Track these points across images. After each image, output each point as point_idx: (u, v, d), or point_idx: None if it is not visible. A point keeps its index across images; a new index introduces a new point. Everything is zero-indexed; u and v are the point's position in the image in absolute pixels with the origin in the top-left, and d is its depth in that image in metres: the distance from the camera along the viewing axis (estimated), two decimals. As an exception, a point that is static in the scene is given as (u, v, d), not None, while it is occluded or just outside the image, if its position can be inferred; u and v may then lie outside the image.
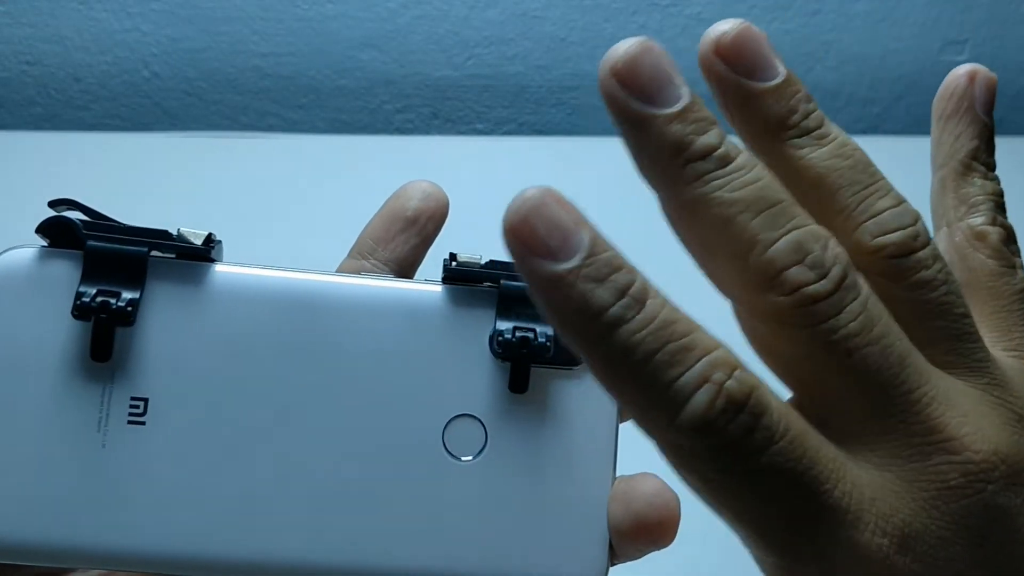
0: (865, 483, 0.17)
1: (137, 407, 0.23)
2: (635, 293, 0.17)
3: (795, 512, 0.17)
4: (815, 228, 0.18)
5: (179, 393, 0.23)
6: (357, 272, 0.27)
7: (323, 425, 0.23)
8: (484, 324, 0.24)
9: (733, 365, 0.17)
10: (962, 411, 0.18)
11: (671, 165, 0.18)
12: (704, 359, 0.17)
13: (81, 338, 0.22)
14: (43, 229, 0.23)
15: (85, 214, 0.24)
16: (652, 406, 0.17)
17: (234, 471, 0.23)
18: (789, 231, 0.18)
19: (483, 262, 0.24)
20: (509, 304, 0.24)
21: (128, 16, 0.77)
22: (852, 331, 0.17)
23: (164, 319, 0.23)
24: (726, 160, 0.18)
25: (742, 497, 0.17)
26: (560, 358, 0.24)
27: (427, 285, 0.25)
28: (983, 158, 0.25)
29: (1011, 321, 0.21)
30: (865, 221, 0.19)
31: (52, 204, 0.24)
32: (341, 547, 0.23)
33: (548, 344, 0.23)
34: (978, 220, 0.23)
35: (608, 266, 0.17)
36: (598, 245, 0.17)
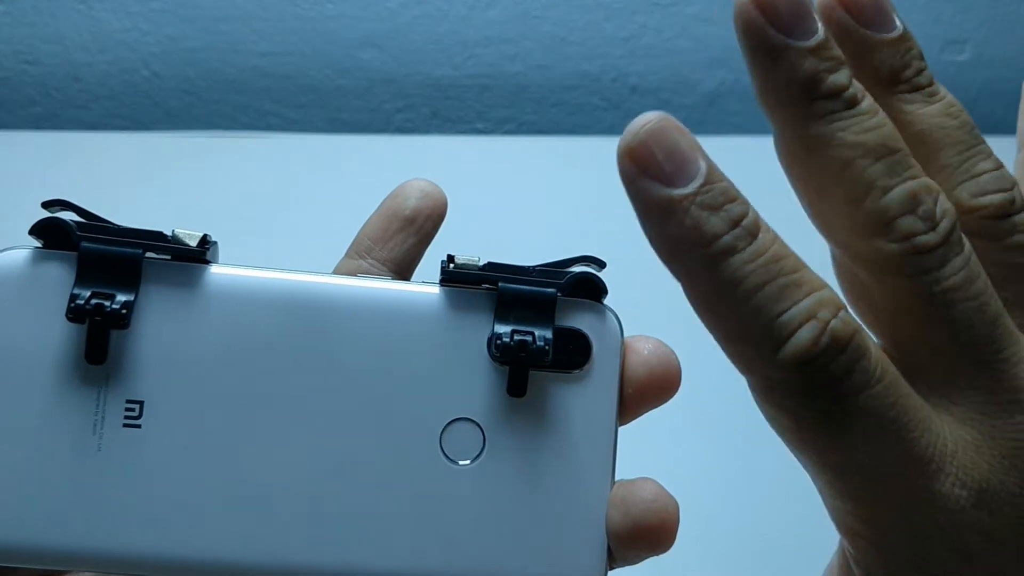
0: (948, 436, 0.17)
1: (133, 410, 0.22)
2: (748, 225, 0.17)
3: (881, 458, 0.17)
4: (928, 181, 0.18)
5: (175, 396, 0.23)
6: (354, 272, 0.27)
7: (320, 428, 0.23)
8: (482, 327, 0.24)
9: (839, 306, 0.17)
10: None
11: (799, 100, 0.18)
12: (812, 296, 0.17)
13: (75, 341, 0.22)
14: (36, 230, 0.23)
15: (79, 215, 0.24)
16: (754, 338, 0.17)
17: (230, 474, 0.23)
18: (906, 180, 0.18)
19: (481, 264, 0.24)
20: (507, 307, 0.23)
21: (128, 15, 0.77)
22: (954, 284, 0.17)
23: (159, 321, 0.23)
24: (853, 102, 0.18)
25: (831, 438, 0.17)
26: (559, 362, 0.23)
27: (424, 287, 0.24)
28: None
29: None
30: (966, 180, 0.19)
31: (45, 205, 0.23)
32: (338, 551, 0.23)
33: (547, 348, 0.23)
34: None
35: (723, 195, 0.17)
36: (714, 175, 0.17)
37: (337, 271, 0.28)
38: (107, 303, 0.22)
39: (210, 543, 0.22)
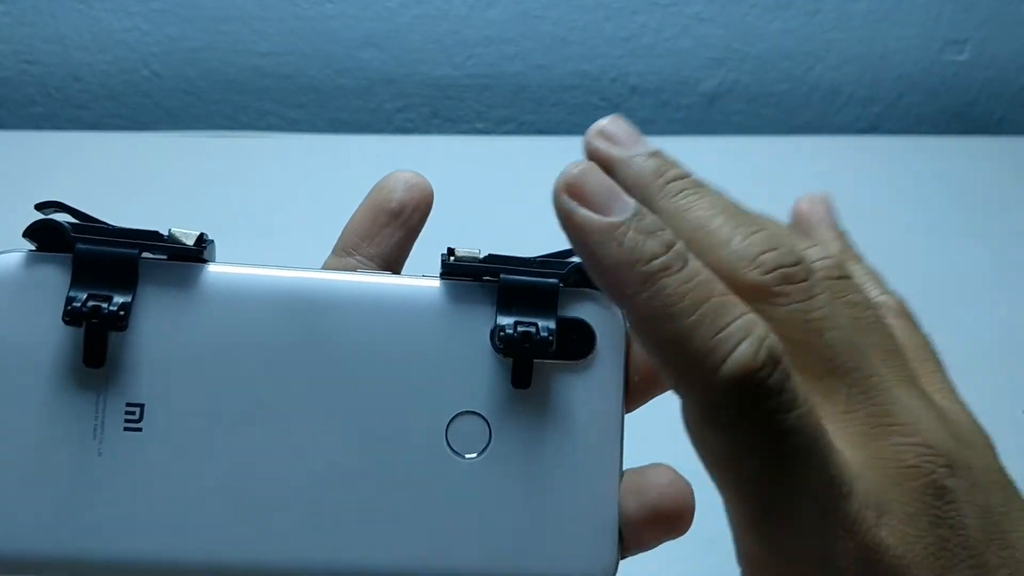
0: (848, 459, 0.18)
1: (133, 413, 0.22)
2: (680, 249, 0.18)
3: (805, 479, 0.18)
4: (790, 236, 0.20)
5: (175, 397, 0.22)
6: (346, 269, 0.26)
7: (323, 426, 0.23)
8: (485, 319, 0.24)
9: (767, 327, 0.18)
10: (910, 405, 0.20)
11: (653, 179, 0.22)
12: (747, 315, 0.18)
13: (73, 344, 0.22)
14: (30, 233, 0.23)
15: (73, 216, 0.23)
16: (696, 355, 0.17)
17: (234, 475, 0.22)
18: (764, 227, 0.20)
19: (482, 256, 0.24)
20: (509, 298, 0.23)
21: (128, 15, 0.77)
22: (823, 315, 0.19)
23: (158, 322, 0.22)
24: (700, 183, 0.21)
25: (760, 456, 0.18)
26: (563, 352, 0.23)
27: (425, 280, 0.24)
28: None
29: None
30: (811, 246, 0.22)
31: (39, 206, 0.23)
32: (345, 548, 0.22)
33: (550, 338, 0.23)
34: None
35: (655, 223, 0.18)
36: (644, 209, 0.19)
37: (325, 268, 0.27)
38: (104, 305, 0.21)
39: (215, 545, 0.22)
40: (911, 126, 0.85)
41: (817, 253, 0.21)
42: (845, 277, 0.21)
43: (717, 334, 0.17)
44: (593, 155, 0.22)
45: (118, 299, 0.22)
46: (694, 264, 0.18)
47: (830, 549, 0.18)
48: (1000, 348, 0.61)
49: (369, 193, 0.28)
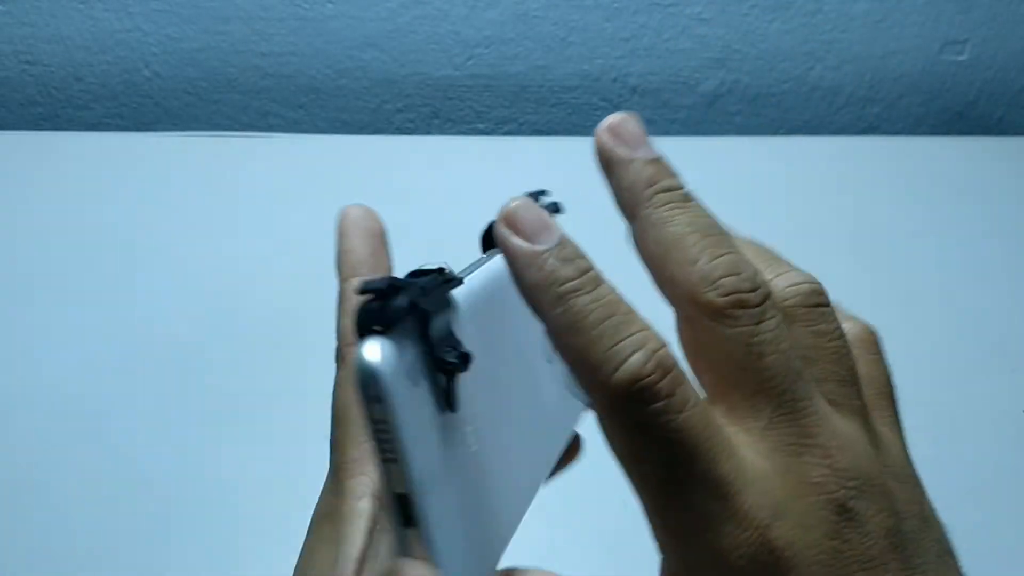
0: (749, 464, 0.21)
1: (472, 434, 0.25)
2: (592, 276, 0.22)
3: (693, 474, 0.21)
4: (747, 258, 0.22)
5: (484, 409, 0.25)
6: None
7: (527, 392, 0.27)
8: None
9: (662, 342, 0.21)
10: (843, 432, 0.22)
11: (646, 192, 0.24)
12: (641, 331, 0.21)
13: (433, 393, 0.23)
14: (380, 320, 0.22)
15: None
16: (596, 363, 0.21)
17: (514, 459, 0.26)
18: (730, 252, 0.22)
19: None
20: None
21: (129, 16, 0.78)
22: (767, 339, 0.22)
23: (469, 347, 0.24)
24: (688, 198, 0.24)
25: (654, 453, 0.21)
26: None
27: None
28: None
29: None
30: (779, 275, 0.24)
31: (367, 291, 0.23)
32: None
33: None
34: None
35: (574, 253, 0.22)
36: (566, 239, 0.22)
37: (344, 296, 0.29)
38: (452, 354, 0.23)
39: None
40: (911, 127, 0.85)
41: (789, 280, 0.23)
42: (819, 306, 0.23)
43: (614, 346, 0.21)
44: (600, 148, 0.24)
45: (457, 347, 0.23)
46: (603, 288, 0.22)
47: (723, 542, 0.21)
48: (1000, 348, 0.61)
49: (348, 224, 0.31)
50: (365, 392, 0.20)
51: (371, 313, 0.21)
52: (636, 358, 0.20)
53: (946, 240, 0.68)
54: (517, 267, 0.22)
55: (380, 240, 0.30)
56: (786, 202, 0.69)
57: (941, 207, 0.70)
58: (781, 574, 0.21)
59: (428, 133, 0.84)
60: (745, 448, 0.21)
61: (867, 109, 0.84)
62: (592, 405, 0.21)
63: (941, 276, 0.65)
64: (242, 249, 0.61)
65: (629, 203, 0.24)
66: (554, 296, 0.21)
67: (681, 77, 0.81)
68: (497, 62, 0.80)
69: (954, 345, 0.61)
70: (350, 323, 0.28)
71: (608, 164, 0.24)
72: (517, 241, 0.22)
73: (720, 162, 0.75)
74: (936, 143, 0.78)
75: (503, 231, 0.22)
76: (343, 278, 0.29)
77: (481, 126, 0.84)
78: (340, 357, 0.28)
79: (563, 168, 0.70)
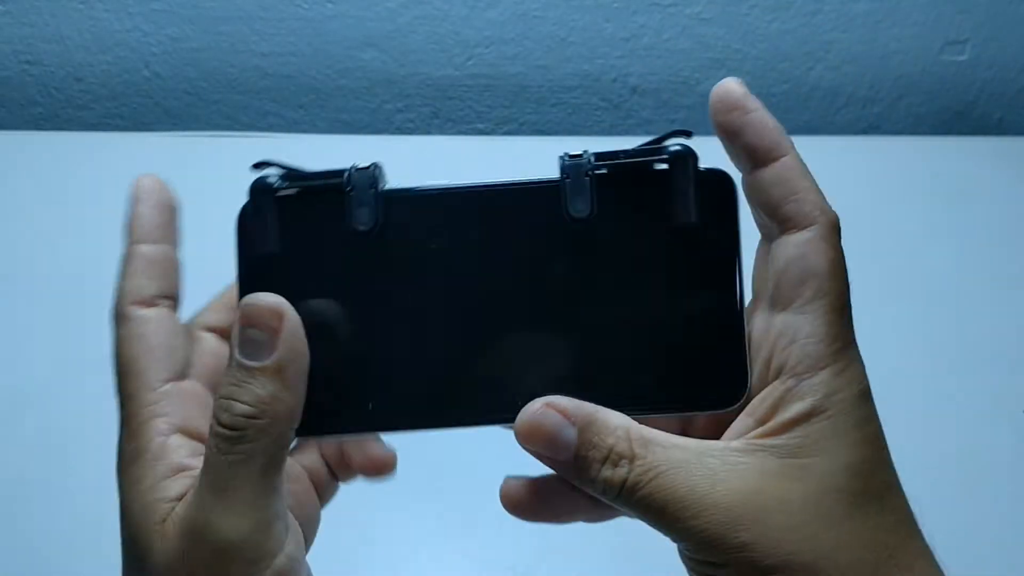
0: None
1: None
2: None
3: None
4: None
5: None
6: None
7: None
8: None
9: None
10: None
11: None
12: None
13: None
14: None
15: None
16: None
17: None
18: None
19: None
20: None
21: (129, 16, 0.78)
22: None
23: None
24: None
25: None
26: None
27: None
28: None
29: None
30: None
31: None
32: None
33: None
34: None
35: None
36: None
37: (128, 258, 0.30)
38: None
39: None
40: (911, 127, 0.85)
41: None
42: None
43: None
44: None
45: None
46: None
47: None
48: (1000, 348, 0.61)
49: (141, 192, 0.33)
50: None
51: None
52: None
53: (946, 240, 0.68)
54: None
55: (171, 212, 0.32)
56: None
57: (941, 207, 0.70)
58: None
59: (428, 133, 0.84)
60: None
61: (867, 109, 0.84)
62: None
63: (941, 276, 0.65)
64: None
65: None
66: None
67: (681, 77, 0.81)
68: (497, 62, 0.80)
69: (954, 345, 0.61)
70: (130, 285, 0.29)
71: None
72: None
73: (719, 162, 0.75)
74: (936, 143, 0.78)
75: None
76: (132, 241, 0.30)
77: (481, 126, 0.84)
78: (118, 316, 0.29)
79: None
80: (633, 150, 0.28)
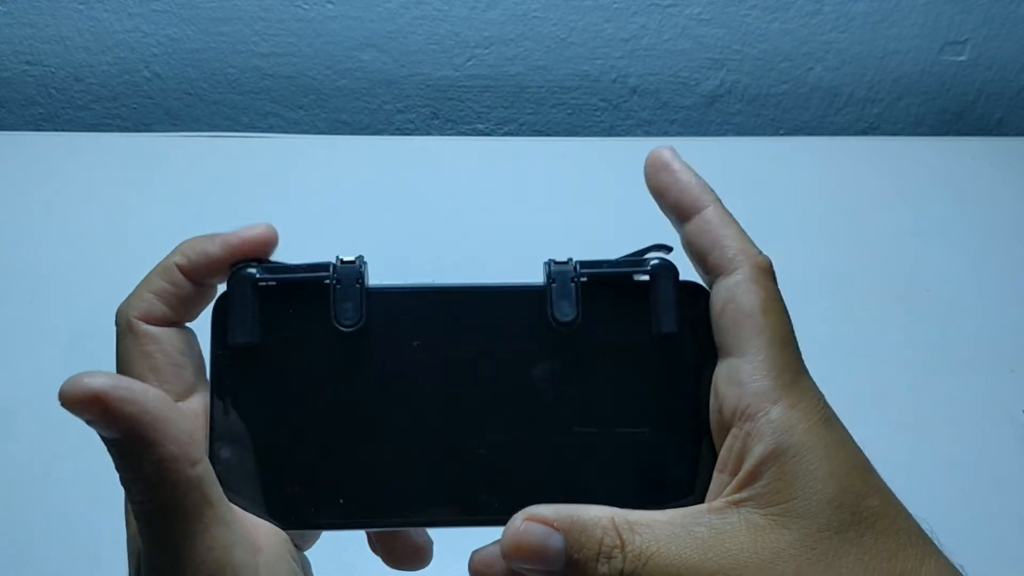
0: None
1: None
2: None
3: None
4: None
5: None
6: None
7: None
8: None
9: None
10: None
11: None
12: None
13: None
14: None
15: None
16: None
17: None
18: None
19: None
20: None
21: (129, 16, 0.78)
22: None
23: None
24: None
25: None
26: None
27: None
28: None
29: None
30: None
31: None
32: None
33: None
34: None
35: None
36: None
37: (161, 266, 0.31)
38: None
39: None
40: (910, 127, 0.85)
41: None
42: None
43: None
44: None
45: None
46: None
47: None
48: (1000, 348, 0.61)
49: (253, 233, 0.33)
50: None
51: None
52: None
53: (945, 240, 0.68)
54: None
55: (253, 254, 0.31)
56: (786, 202, 0.69)
57: (941, 207, 0.70)
58: None
59: (428, 134, 0.84)
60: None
61: (867, 109, 0.84)
62: None
63: (940, 276, 0.65)
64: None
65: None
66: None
67: (681, 77, 0.81)
68: (497, 63, 0.80)
69: (953, 345, 0.61)
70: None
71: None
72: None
73: (720, 162, 0.75)
74: (936, 143, 0.78)
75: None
76: (180, 251, 0.30)
77: (481, 127, 0.84)
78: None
79: (563, 168, 0.70)
80: (616, 260, 0.30)
